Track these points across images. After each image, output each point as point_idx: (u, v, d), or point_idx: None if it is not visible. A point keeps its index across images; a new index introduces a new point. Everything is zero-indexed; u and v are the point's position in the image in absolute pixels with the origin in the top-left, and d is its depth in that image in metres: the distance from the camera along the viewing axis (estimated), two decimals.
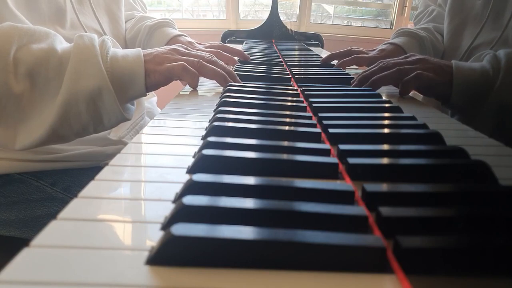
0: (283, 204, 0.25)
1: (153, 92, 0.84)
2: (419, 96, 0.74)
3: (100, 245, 0.22)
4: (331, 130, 0.40)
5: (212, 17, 2.41)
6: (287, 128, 0.41)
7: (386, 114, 0.50)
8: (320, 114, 0.45)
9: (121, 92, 0.53)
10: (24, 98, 0.50)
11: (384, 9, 2.36)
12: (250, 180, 0.28)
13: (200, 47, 0.86)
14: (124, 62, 0.54)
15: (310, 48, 1.35)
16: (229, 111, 0.46)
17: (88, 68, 0.51)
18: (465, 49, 0.80)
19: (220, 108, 0.47)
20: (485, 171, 0.31)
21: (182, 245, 0.20)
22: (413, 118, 0.46)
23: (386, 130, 0.42)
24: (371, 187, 0.27)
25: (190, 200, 0.24)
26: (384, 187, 0.28)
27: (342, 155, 0.34)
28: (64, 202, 0.65)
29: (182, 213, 0.23)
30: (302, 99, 0.55)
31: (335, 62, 0.91)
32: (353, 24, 2.45)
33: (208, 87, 0.67)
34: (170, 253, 0.20)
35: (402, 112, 0.50)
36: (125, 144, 0.74)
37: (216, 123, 0.40)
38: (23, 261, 0.20)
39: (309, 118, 0.45)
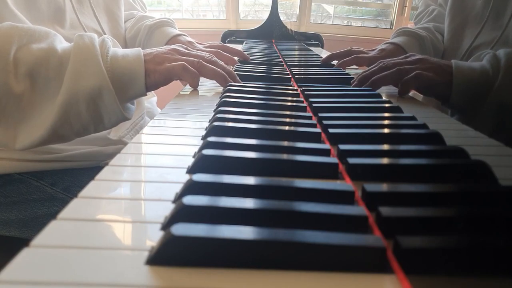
0: (283, 204, 0.25)
1: (153, 92, 0.84)
2: (419, 96, 0.74)
3: (100, 245, 0.22)
4: (331, 130, 0.40)
5: (212, 17, 2.41)
6: (287, 128, 0.41)
7: (386, 114, 0.50)
8: (320, 114, 0.45)
9: (121, 91, 0.53)
10: (24, 98, 0.50)
11: (384, 9, 2.36)
12: (250, 180, 0.28)
13: (200, 47, 0.86)
14: (124, 62, 0.54)
15: (310, 48, 1.35)
16: (229, 111, 0.46)
17: (89, 67, 0.51)
18: (465, 49, 0.81)
19: (220, 108, 0.47)
20: (485, 171, 0.31)
21: (182, 245, 0.20)
22: (413, 118, 0.46)
23: (386, 130, 0.42)
24: (371, 187, 0.27)
25: (190, 200, 0.24)
26: (384, 187, 0.28)
27: (342, 155, 0.34)
28: (64, 202, 0.65)
29: (182, 213, 0.23)
30: (302, 99, 0.55)
31: (335, 62, 0.91)
32: (353, 24, 2.45)
33: (208, 87, 0.67)
34: (170, 253, 0.20)
35: (402, 112, 0.50)
36: (125, 144, 0.74)
37: (216, 123, 0.40)
38: (23, 261, 0.20)
39: (309, 118, 0.45)
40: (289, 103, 0.52)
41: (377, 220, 0.25)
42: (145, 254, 0.21)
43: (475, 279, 0.21)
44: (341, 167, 0.33)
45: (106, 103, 0.52)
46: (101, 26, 0.75)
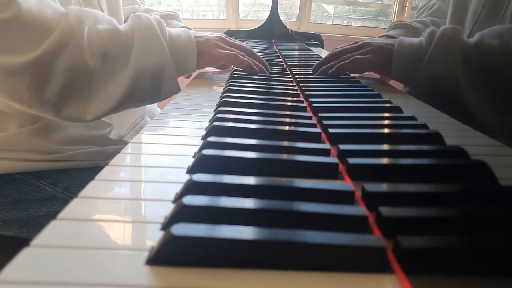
0: (283, 204, 0.25)
1: None
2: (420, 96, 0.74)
3: (100, 245, 0.22)
4: (331, 130, 0.40)
5: (212, 17, 2.41)
6: (287, 128, 0.41)
7: (386, 114, 0.50)
8: (320, 114, 0.45)
9: (177, 67, 0.61)
10: (96, 74, 0.56)
11: (384, 9, 2.36)
12: (250, 180, 0.28)
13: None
14: (179, 41, 0.62)
15: (310, 48, 1.35)
16: (229, 111, 0.46)
17: (153, 45, 0.58)
18: None
19: (220, 108, 0.47)
20: (485, 171, 0.31)
21: (182, 245, 0.20)
22: (413, 118, 0.46)
23: (386, 130, 0.42)
24: (371, 187, 0.27)
25: (190, 200, 0.24)
26: (384, 187, 0.28)
27: (342, 155, 0.34)
28: (64, 202, 0.65)
29: (182, 213, 0.23)
30: (302, 99, 0.55)
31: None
32: (353, 24, 2.45)
33: (209, 87, 0.67)
34: (170, 253, 0.20)
35: (402, 112, 0.50)
36: (125, 143, 0.74)
37: (216, 123, 0.40)
38: (23, 261, 0.20)
39: (309, 118, 0.45)
40: (289, 103, 0.52)
41: (377, 220, 0.25)
42: (145, 254, 0.21)
43: (475, 279, 0.21)
44: (341, 167, 0.33)
45: (166, 76, 0.60)
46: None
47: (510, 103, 0.60)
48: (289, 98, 0.55)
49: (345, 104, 0.52)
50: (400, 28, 0.91)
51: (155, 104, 0.95)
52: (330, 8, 2.33)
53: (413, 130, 0.42)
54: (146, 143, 0.40)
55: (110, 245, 0.22)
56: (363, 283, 0.20)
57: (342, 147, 0.35)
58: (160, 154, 0.36)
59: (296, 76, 0.71)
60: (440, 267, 0.21)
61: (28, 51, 0.51)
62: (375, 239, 0.22)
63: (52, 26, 0.52)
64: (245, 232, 0.21)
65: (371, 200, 0.27)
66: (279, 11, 1.52)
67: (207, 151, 0.32)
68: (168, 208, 0.26)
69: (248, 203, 0.24)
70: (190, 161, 0.33)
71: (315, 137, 0.39)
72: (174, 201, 0.27)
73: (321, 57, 0.98)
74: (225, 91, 0.56)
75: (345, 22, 2.44)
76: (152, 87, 0.60)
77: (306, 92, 0.58)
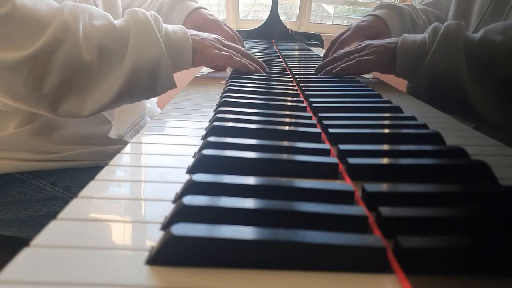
0: (283, 204, 0.25)
1: None
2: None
3: (100, 245, 0.22)
4: (331, 130, 0.40)
5: None
6: (287, 128, 0.41)
7: (386, 114, 0.50)
8: (320, 114, 0.45)
9: (173, 62, 0.61)
10: (92, 69, 0.56)
11: None
12: (250, 180, 0.28)
13: (222, 23, 0.90)
14: (175, 37, 0.62)
15: (310, 48, 1.35)
16: (229, 111, 0.46)
17: (149, 40, 0.58)
18: None
19: (220, 108, 0.47)
20: (485, 171, 0.31)
21: (182, 245, 0.20)
22: (413, 118, 0.46)
23: (386, 130, 0.42)
24: (371, 187, 0.27)
25: (190, 200, 0.24)
26: (384, 187, 0.28)
27: (342, 155, 0.34)
28: (64, 202, 0.65)
29: (182, 213, 0.23)
30: (302, 99, 0.55)
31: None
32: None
33: (208, 87, 0.67)
34: (170, 253, 0.20)
35: (402, 112, 0.50)
36: (125, 143, 0.74)
37: (216, 123, 0.40)
38: (23, 261, 0.20)
39: (309, 118, 0.45)
40: (289, 103, 0.52)
41: (377, 220, 0.25)
42: (145, 254, 0.21)
43: (475, 279, 0.21)
44: (341, 167, 0.33)
45: (162, 72, 0.60)
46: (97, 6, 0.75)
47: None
48: (289, 98, 0.55)
49: (345, 104, 0.52)
50: (384, 8, 0.92)
51: (155, 104, 0.95)
52: (330, 8, 2.33)
53: (413, 130, 0.42)
54: (146, 143, 0.40)
55: (110, 245, 0.22)
56: (363, 283, 0.20)
57: (342, 147, 0.35)
58: (160, 154, 0.36)
59: (296, 76, 0.71)
60: (440, 267, 0.21)
61: (24, 47, 0.51)
62: (375, 239, 0.22)
63: (47, 22, 0.52)
64: (245, 232, 0.21)
65: (371, 200, 0.27)
66: (279, 11, 1.52)
67: (207, 151, 0.32)
68: (168, 208, 0.26)
69: (248, 203, 0.24)
70: (190, 161, 0.33)
71: (315, 137, 0.39)
72: (174, 201, 0.27)
73: (321, 57, 0.98)
74: (225, 91, 0.56)
75: (345, 22, 2.44)
76: (149, 82, 0.60)
77: (306, 92, 0.58)
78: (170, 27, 0.63)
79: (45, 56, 0.52)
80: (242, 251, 0.21)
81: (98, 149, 0.70)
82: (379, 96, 0.58)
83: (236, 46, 0.73)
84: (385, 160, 0.33)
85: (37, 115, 0.63)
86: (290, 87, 0.62)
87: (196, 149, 0.36)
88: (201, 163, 0.31)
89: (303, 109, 0.50)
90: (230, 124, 0.40)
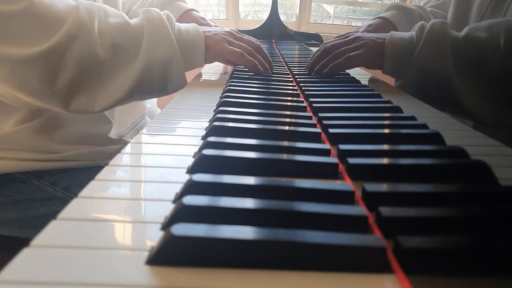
0: (283, 204, 0.25)
1: None
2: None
3: (100, 245, 0.22)
4: (331, 130, 0.40)
5: (212, 17, 2.40)
6: (287, 128, 0.41)
7: (386, 114, 0.50)
8: (320, 114, 0.45)
9: (185, 61, 0.62)
10: (105, 66, 0.57)
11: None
12: (250, 180, 0.28)
13: (212, 24, 0.89)
14: (188, 36, 0.63)
15: (310, 48, 1.35)
16: (229, 111, 0.46)
17: (162, 39, 0.59)
18: None
19: (220, 108, 0.47)
20: (485, 171, 0.31)
21: (182, 245, 0.20)
22: (413, 118, 0.46)
23: (386, 130, 0.42)
24: (371, 187, 0.27)
25: (190, 200, 0.24)
26: (384, 187, 0.28)
27: (342, 155, 0.34)
28: (64, 202, 0.65)
29: (182, 213, 0.23)
30: (302, 99, 0.55)
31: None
32: (353, 24, 2.45)
33: (208, 86, 0.67)
34: (170, 253, 0.20)
35: (402, 112, 0.50)
36: (125, 143, 0.74)
37: (216, 123, 0.40)
38: (23, 261, 0.20)
39: (309, 118, 0.45)
40: (289, 103, 0.52)
41: (377, 220, 0.25)
42: (145, 254, 0.21)
43: (475, 279, 0.21)
44: (341, 167, 0.33)
45: (174, 70, 0.60)
46: None
47: (498, 95, 0.60)
48: (289, 98, 0.55)
49: (345, 104, 0.52)
50: (393, 10, 0.91)
51: (155, 104, 0.95)
52: (330, 8, 2.33)
53: (413, 130, 0.42)
54: (146, 143, 0.40)
55: (110, 245, 0.22)
56: (363, 283, 0.20)
57: (342, 147, 0.35)
58: (160, 154, 0.36)
59: (296, 76, 0.71)
60: (440, 267, 0.21)
61: (40, 42, 0.52)
62: (375, 239, 0.22)
63: (63, 18, 0.53)
64: (245, 232, 0.21)
65: (371, 200, 0.27)
66: (279, 11, 1.52)
67: (207, 151, 0.32)
68: (168, 208, 0.26)
69: (248, 203, 0.24)
70: (190, 161, 0.33)
71: (315, 137, 0.39)
72: (174, 201, 0.27)
73: None
74: (225, 91, 0.56)
75: (345, 22, 2.44)
76: (160, 80, 0.60)
77: (306, 92, 0.58)
78: (183, 26, 0.64)
79: (60, 52, 0.53)
80: (242, 251, 0.21)
81: (98, 149, 0.70)
82: (379, 96, 0.58)
83: (249, 39, 0.72)
84: (385, 160, 0.33)
85: (39, 112, 0.63)
86: (290, 87, 0.62)
87: (196, 149, 0.36)
88: (201, 163, 0.31)
89: (303, 109, 0.50)
90: (230, 124, 0.40)
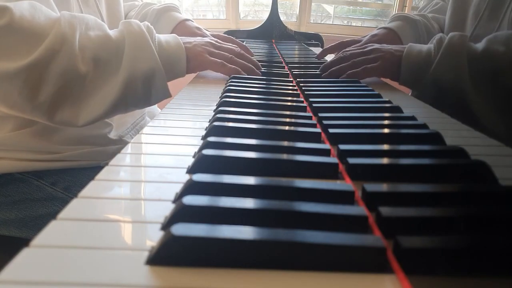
0: (283, 204, 0.25)
1: None
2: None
3: (100, 245, 0.22)
4: (331, 130, 0.40)
5: (212, 17, 2.40)
6: (287, 128, 0.41)
7: (386, 114, 0.50)
8: (320, 114, 0.45)
9: (167, 73, 0.61)
10: (87, 80, 0.57)
11: (384, 9, 2.36)
12: (250, 180, 0.28)
13: (208, 33, 0.89)
14: (168, 47, 0.63)
15: (310, 48, 1.35)
16: (229, 111, 0.46)
17: (143, 52, 0.59)
18: None
19: (220, 108, 0.47)
20: (485, 171, 0.31)
21: (182, 245, 0.20)
22: (413, 118, 0.46)
23: (386, 130, 0.42)
24: (371, 187, 0.27)
25: (190, 200, 0.24)
26: (384, 187, 0.28)
27: (342, 155, 0.34)
28: (64, 202, 0.65)
29: (182, 213, 0.23)
30: (302, 99, 0.55)
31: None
32: (353, 24, 2.45)
33: (208, 87, 0.67)
34: (170, 253, 0.20)
35: (402, 112, 0.50)
36: (125, 143, 0.74)
37: (216, 123, 0.40)
38: (23, 261, 0.20)
39: (309, 118, 0.45)
40: (289, 103, 0.52)
41: (377, 220, 0.25)
42: (145, 254, 0.21)
43: (475, 279, 0.21)
44: (341, 167, 0.33)
45: (157, 82, 0.60)
46: (101, 16, 0.75)
47: None
48: (289, 98, 0.55)
49: (345, 104, 0.52)
50: (398, 20, 0.92)
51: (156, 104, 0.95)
52: (330, 8, 2.33)
53: (413, 130, 0.42)
54: (146, 143, 0.40)
55: (110, 245, 0.22)
56: (363, 283, 0.20)
57: (342, 147, 0.35)
58: (160, 154, 0.36)
59: (296, 76, 0.71)
60: (440, 267, 0.21)
61: (21, 57, 0.52)
62: (375, 239, 0.22)
63: (45, 33, 0.53)
64: (245, 232, 0.21)
65: (371, 200, 0.27)
66: (279, 11, 1.52)
67: (207, 151, 0.32)
68: (168, 208, 0.26)
69: (248, 203, 0.24)
70: (190, 161, 0.33)
71: (315, 137, 0.39)
72: (174, 201, 0.27)
73: None
74: (225, 91, 0.56)
75: (345, 22, 2.44)
76: (143, 92, 0.60)
77: (306, 92, 0.58)
78: (163, 37, 0.63)
79: (42, 66, 0.53)
80: (242, 251, 0.21)
81: (98, 149, 0.70)
82: (379, 96, 0.58)
83: (229, 46, 0.73)
84: (385, 160, 0.33)
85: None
86: (290, 87, 0.62)
87: (196, 149, 0.36)
88: (201, 163, 0.31)
89: (303, 109, 0.50)
90: (230, 124, 0.40)
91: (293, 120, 0.45)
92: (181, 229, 0.21)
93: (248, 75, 0.69)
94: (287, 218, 0.24)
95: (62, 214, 0.24)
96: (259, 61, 0.91)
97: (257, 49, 1.19)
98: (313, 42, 1.52)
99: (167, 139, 0.40)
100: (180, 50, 0.64)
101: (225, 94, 0.54)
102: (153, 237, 0.23)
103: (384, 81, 0.76)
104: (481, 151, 0.39)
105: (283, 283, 0.20)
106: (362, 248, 0.21)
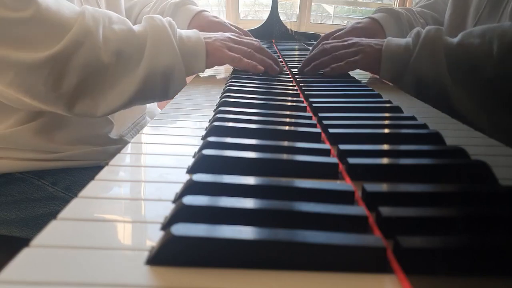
0: (283, 204, 0.25)
1: None
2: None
3: (100, 245, 0.22)
4: (331, 130, 0.40)
5: None
6: (287, 128, 0.41)
7: (386, 114, 0.50)
8: (320, 114, 0.45)
9: (186, 68, 0.63)
10: (109, 72, 0.58)
11: None
12: (250, 180, 0.28)
13: (227, 22, 0.91)
14: (189, 43, 0.64)
15: (310, 48, 1.35)
16: (229, 111, 0.46)
17: (165, 47, 0.60)
18: None
19: (220, 108, 0.47)
20: (485, 171, 0.31)
21: (182, 245, 0.20)
22: (413, 118, 0.46)
23: (386, 130, 0.42)
24: (371, 187, 0.27)
25: (190, 200, 0.24)
26: (384, 187, 0.28)
27: (342, 155, 0.34)
28: (65, 202, 0.65)
29: (182, 213, 0.23)
30: (302, 99, 0.55)
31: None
32: None
33: (208, 87, 0.67)
34: (170, 253, 0.20)
35: (402, 112, 0.50)
36: (125, 143, 0.74)
37: (216, 123, 0.40)
38: (23, 261, 0.20)
39: (309, 118, 0.45)
40: (289, 103, 0.52)
41: (377, 220, 0.25)
42: (145, 254, 0.21)
43: (475, 279, 0.21)
44: (341, 167, 0.33)
45: (176, 77, 0.62)
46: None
47: (492, 101, 0.61)
48: (289, 98, 0.55)
49: (345, 104, 0.52)
50: (382, 12, 0.93)
51: (155, 104, 0.95)
52: (330, 8, 2.33)
53: (413, 130, 0.42)
54: (146, 143, 0.40)
55: (110, 245, 0.22)
56: (363, 283, 0.20)
57: (342, 147, 0.35)
58: (160, 154, 0.36)
59: (296, 76, 0.71)
60: (440, 267, 0.21)
61: (47, 48, 0.53)
62: (375, 239, 0.22)
63: (69, 25, 0.54)
64: (245, 232, 0.21)
65: (371, 200, 0.27)
66: (279, 11, 1.52)
67: (207, 151, 0.32)
68: (168, 208, 0.26)
69: (248, 203, 0.24)
70: (190, 161, 0.33)
71: (315, 137, 0.39)
72: (174, 201, 0.27)
73: None
74: (225, 91, 0.56)
75: (345, 22, 2.44)
76: (162, 86, 0.62)
77: (306, 92, 0.58)
78: (184, 33, 0.65)
79: (66, 58, 0.54)
80: (242, 251, 0.21)
81: (98, 149, 0.70)
82: (379, 96, 0.58)
83: (249, 41, 0.72)
84: (385, 160, 0.33)
85: (39, 114, 0.64)
86: (290, 87, 0.62)
87: (196, 149, 0.36)
88: (201, 163, 0.31)
89: (303, 109, 0.50)
90: (230, 124, 0.40)
91: (293, 120, 0.45)
92: (181, 229, 0.21)
93: (267, 70, 0.69)
94: (287, 218, 0.24)
95: (62, 214, 0.24)
96: None
97: None
98: (313, 42, 1.52)
99: (167, 139, 0.40)
100: (200, 46, 0.65)
101: (225, 94, 0.54)
102: (153, 237, 0.23)
103: (384, 81, 0.76)
104: (481, 151, 0.39)
105: (283, 283, 0.20)
106: (362, 248, 0.21)
